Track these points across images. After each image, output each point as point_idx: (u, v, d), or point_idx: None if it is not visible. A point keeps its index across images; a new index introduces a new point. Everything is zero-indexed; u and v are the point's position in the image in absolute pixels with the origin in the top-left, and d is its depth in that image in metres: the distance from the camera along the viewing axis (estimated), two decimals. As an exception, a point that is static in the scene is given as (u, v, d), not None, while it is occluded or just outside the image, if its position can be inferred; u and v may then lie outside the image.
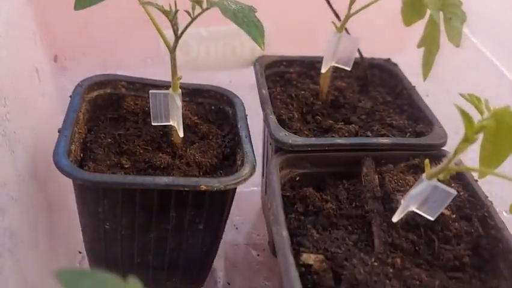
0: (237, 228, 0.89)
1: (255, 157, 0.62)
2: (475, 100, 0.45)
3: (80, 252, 0.77)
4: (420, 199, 0.52)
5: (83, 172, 0.55)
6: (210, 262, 0.73)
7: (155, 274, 0.69)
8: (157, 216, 0.61)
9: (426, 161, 0.49)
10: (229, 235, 0.87)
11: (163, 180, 0.56)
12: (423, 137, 0.65)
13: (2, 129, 0.51)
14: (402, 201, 0.52)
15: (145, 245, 0.63)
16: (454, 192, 0.49)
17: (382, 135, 0.66)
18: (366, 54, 0.79)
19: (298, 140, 0.61)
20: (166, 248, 0.65)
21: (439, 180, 0.50)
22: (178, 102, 0.59)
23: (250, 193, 0.98)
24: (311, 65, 0.77)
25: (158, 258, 0.67)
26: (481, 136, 0.46)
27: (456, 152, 0.45)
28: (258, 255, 0.84)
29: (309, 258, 0.52)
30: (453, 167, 0.47)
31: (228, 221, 0.90)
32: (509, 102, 0.47)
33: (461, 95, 0.47)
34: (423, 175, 0.50)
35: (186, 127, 0.68)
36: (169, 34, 0.56)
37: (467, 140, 0.43)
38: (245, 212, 0.93)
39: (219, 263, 0.81)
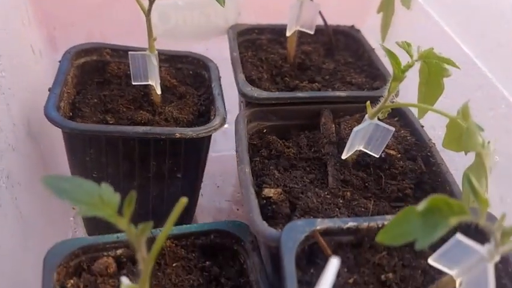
0: (218, 187, 0.96)
1: (225, 112, 0.69)
2: (405, 45, 0.52)
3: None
4: (365, 138, 0.59)
5: (71, 122, 0.63)
6: (191, 212, 0.80)
7: (141, 222, 0.76)
8: (139, 165, 0.68)
9: (368, 102, 0.56)
10: (211, 193, 0.94)
11: (142, 129, 0.63)
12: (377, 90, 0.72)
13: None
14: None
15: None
16: (392, 128, 0.56)
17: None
18: (333, 22, 0.85)
19: (263, 94, 0.68)
20: (149, 196, 0.72)
21: (380, 120, 0.57)
22: (155, 62, 0.66)
23: (232, 157, 1.05)
24: (281, 32, 0.84)
25: (142, 207, 0.74)
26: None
27: (389, 91, 0.52)
28: (238, 209, 0.92)
29: (270, 192, 0.59)
30: (389, 104, 0.54)
31: (210, 181, 0.97)
32: (447, 53, 0.53)
33: (396, 43, 0.54)
34: (366, 116, 0.57)
35: (165, 88, 0.75)
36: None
37: (396, 79, 0.50)
38: (227, 173, 1.00)
39: (200, 216, 0.88)
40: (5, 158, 0.56)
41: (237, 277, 0.56)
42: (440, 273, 0.45)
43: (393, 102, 0.55)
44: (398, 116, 0.70)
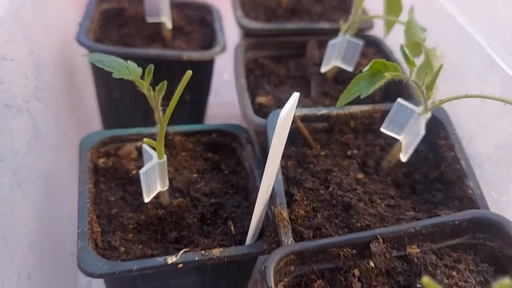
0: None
1: (225, 42, 0.82)
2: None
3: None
4: (340, 54, 0.71)
5: (97, 44, 0.76)
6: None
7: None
8: (153, 87, 0.81)
9: (341, 21, 0.68)
10: (213, 111, 1.04)
11: (155, 51, 0.76)
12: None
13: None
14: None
15: (145, 112, 0.84)
16: (361, 42, 0.68)
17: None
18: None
19: (258, 25, 0.81)
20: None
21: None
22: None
23: (235, 102, 1.18)
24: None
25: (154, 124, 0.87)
26: None
27: (356, 7, 0.65)
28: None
29: (262, 99, 0.72)
30: (357, 19, 0.66)
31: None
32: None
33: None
34: (340, 33, 0.69)
35: (174, 28, 0.88)
36: None
37: (360, -5, 0.63)
38: (231, 116, 1.11)
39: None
40: (38, 77, 0.69)
41: (234, 165, 0.69)
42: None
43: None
44: (373, 45, 0.81)
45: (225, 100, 1.12)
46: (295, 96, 0.44)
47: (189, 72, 0.50)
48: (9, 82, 0.56)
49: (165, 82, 0.51)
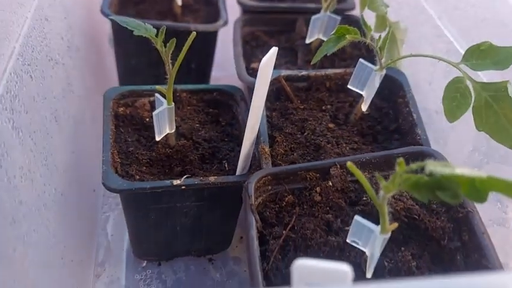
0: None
1: (227, 18, 0.95)
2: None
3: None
4: (322, 28, 0.84)
5: (118, 16, 0.89)
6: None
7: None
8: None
9: (323, 0, 0.81)
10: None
11: (166, 23, 0.89)
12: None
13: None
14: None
15: (156, 76, 0.97)
16: (338, 17, 0.81)
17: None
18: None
19: (254, 3, 0.94)
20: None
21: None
22: (177, -21, 0.93)
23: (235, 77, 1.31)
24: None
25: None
26: None
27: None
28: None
29: (255, 65, 0.85)
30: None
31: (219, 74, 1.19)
32: None
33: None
34: (322, 10, 0.82)
35: (184, 6, 1.01)
36: None
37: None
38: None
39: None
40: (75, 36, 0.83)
41: (230, 119, 0.82)
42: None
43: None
44: (354, 23, 0.94)
45: (229, 74, 1.25)
46: (274, 49, 0.57)
47: (194, 33, 0.64)
48: (50, 39, 0.70)
49: (174, 39, 0.65)
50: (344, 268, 0.35)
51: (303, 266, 0.36)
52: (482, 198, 0.41)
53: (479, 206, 0.56)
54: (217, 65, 1.06)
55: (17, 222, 0.52)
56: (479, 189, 0.41)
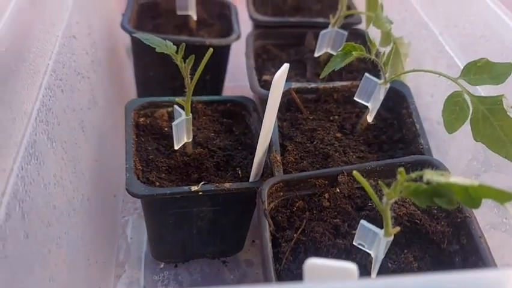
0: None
1: (240, 32, 1.00)
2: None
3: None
4: (330, 42, 0.89)
5: (137, 30, 0.95)
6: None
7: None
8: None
9: (331, 15, 0.86)
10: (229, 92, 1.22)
11: (183, 38, 0.95)
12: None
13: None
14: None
15: (172, 88, 1.03)
16: (345, 32, 0.86)
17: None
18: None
19: (266, 18, 0.99)
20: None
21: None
22: (193, -4, 0.98)
23: (247, 87, 1.36)
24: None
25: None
26: None
27: (341, 4, 0.82)
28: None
29: (267, 77, 0.90)
30: (342, 14, 0.84)
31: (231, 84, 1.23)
32: None
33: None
34: (330, 25, 0.87)
35: (199, 20, 1.07)
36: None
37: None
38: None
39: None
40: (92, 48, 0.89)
41: (243, 128, 0.87)
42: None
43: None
44: (360, 37, 0.99)
45: (240, 84, 1.31)
46: (286, 66, 0.62)
47: (211, 50, 0.69)
48: (77, 55, 0.75)
49: (193, 56, 0.70)
50: (351, 266, 0.40)
51: (314, 265, 0.40)
52: (475, 205, 0.46)
53: (476, 211, 0.60)
54: (229, 75, 1.12)
55: (52, 225, 0.57)
56: (473, 196, 0.45)
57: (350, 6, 1.01)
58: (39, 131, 0.56)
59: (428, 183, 0.45)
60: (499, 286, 0.34)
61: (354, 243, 0.56)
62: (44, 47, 0.62)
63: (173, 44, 0.72)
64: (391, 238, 0.52)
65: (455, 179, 0.43)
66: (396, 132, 0.79)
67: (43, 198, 0.55)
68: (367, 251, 0.56)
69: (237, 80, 1.32)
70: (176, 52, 0.70)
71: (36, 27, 0.62)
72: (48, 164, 0.58)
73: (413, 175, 0.46)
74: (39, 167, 0.55)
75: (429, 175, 0.44)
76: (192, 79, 0.72)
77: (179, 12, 1.01)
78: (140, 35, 0.70)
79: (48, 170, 0.58)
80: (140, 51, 0.99)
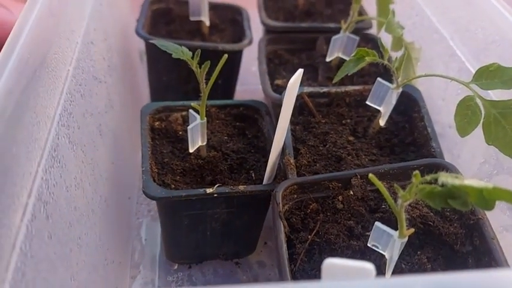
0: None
1: (252, 37, 1.02)
2: (363, -18, 0.83)
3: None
4: (342, 47, 0.90)
5: (151, 36, 0.97)
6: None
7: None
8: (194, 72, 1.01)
9: (342, 21, 0.87)
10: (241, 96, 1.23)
11: (197, 43, 0.96)
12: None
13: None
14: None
15: (186, 93, 1.04)
16: (357, 38, 0.87)
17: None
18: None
19: (277, 23, 1.01)
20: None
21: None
22: (206, 2, 1.00)
23: (259, 89, 1.37)
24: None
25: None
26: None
27: (353, 10, 0.84)
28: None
29: (279, 81, 0.92)
30: (354, 19, 0.85)
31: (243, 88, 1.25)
32: None
33: (360, -18, 0.85)
34: (341, 31, 0.88)
35: (212, 26, 1.08)
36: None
37: (356, 2, 0.81)
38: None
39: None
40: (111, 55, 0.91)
41: (256, 132, 0.88)
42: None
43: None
44: (370, 42, 1.00)
45: (251, 88, 1.32)
46: (300, 71, 0.63)
47: (225, 56, 0.70)
48: (94, 60, 0.77)
49: (209, 62, 0.71)
50: (368, 266, 0.41)
51: (332, 264, 0.41)
52: (489, 206, 0.46)
53: (489, 214, 0.61)
54: (239, 78, 1.13)
55: (73, 226, 0.59)
56: (487, 198, 0.46)
57: (361, 12, 1.02)
58: (61, 135, 0.58)
59: (442, 185, 0.46)
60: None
61: (368, 244, 0.57)
62: (64, 53, 0.64)
63: (188, 50, 0.73)
64: (405, 239, 0.53)
65: (470, 181, 0.44)
66: (408, 136, 0.80)
67: (65, 200, 0.57)
68: (381, 252, 0.57)
69: (248, 83, 1.34)
70: (192, 58, 0.72)
71: (57, 34, 0.64)
72: (70, 166, 0.60)
73: (428, 178, 0.47)
74: (61, 170, 0.56)
75: (444, 177, 0.45)
76: (206, 84, 0.73)
77: (192, 18, 1.03)
78: (157, 42, 0.72)
79: (70, 173, 0.59)
80: (154, 56, 1.01)
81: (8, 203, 0.45)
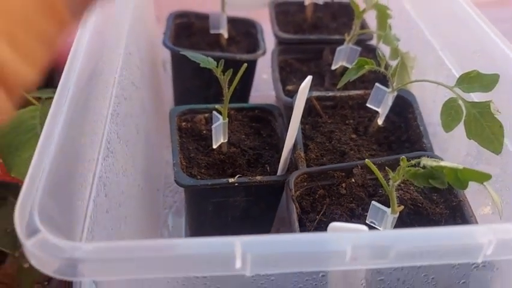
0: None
1: (265, 47, 1.14)
2: None
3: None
4: (346, 56, 1.02)
5: (178, 48, 1.09)
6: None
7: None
8: (214, 79, 1.14)
9: (346, 33, 1.00)
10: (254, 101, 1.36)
11: (218, 54, 1.09)
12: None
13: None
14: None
15: (207, 98, 1.16)
16: (358, 48, 0.99)
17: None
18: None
19: (288, 36, 1.13)
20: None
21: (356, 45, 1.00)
22: (224, 17, 1.12)
23: (271, 95, 1.49)
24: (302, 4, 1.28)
25: (213, 110, 1.20)
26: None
27: (355, 24, 0.96)
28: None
29: (290, 87, 1.04)
30: (356, 32, 0.97)
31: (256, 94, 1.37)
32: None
33: None
34: (345, 42, 1.00)
35: (229, 38, 1.21)
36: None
37: (357, 17, 0.93)
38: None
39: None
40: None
41: (269, 132, 1.00)
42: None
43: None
44: (371, 52, 1.12)
45: (263, 94, 1.44)
46: (309, 78, 0.75)
47: (245, 65, 0.82)
48: (132, 69, 0.90)
49: (231, 70, 0.83)
50: (363, 227, 0.52)
51: (335, 226, 0.53)
52: (463, 186, 0.58)
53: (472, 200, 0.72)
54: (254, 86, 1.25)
55: (121, 206, 0.71)
56: (461, 179, 0.57)
57: (363, 25, 1.15)
58: (112, 131, 0.70)
59: (424, 167, 0.58)
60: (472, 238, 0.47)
61: (366, 221, 0.69)
62: (112, 63, 0.77)
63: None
64: (397, 215, 0.65)
65: (446, 163, 0.56)
66: (403, 134, 0.91)
67: (116, 184, 0.69)
68: (377, 228, 0.68)
69: (260, 89, 1.46)
70: (216, 67, 0.84)
71: (106, 48, 0.77)
72: (118, 157, 0.72)
73: (413, 162, 0.58)
74: (113, 159, 0.69)
75: (425, 161, 0.57)
76: (228, 89, 0.85)
77: (212, 31, 1.16)
78: (187, 53, 0.84)
79: (119, 162, 0.72)
80: (178, 65, 1.14)
81: (80, 181, 0.57)
